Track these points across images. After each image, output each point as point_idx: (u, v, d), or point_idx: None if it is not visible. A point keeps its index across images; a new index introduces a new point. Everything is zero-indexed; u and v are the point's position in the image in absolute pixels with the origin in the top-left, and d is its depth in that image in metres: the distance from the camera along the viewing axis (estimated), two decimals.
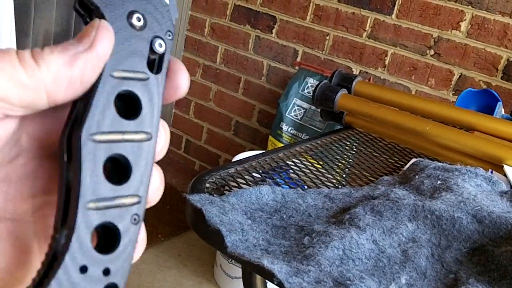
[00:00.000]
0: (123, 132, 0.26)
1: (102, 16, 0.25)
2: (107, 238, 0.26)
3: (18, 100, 0.24)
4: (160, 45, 0.27)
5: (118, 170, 0.26)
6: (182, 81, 0.29)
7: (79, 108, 0.25)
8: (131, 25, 0.26)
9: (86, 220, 0.24)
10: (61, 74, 0.24)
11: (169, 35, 0.28)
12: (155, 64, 0.27)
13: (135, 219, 0.26)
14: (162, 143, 0.29)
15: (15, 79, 0.23)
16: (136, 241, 0.26)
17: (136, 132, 0.26)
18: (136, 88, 0.26)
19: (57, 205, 0.25)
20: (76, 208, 0.24)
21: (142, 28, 0.26)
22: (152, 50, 0.27)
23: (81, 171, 0.24)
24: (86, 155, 0.24)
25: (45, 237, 0.28)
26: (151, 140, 0.27)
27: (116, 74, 0.26)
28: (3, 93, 0.23)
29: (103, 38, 0.25)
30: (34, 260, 0.28)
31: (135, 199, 0.26)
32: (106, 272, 0.25)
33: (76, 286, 0.24)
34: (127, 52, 0.26)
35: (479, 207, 0.65)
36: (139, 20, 0.26)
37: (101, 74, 0.25)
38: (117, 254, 0.25)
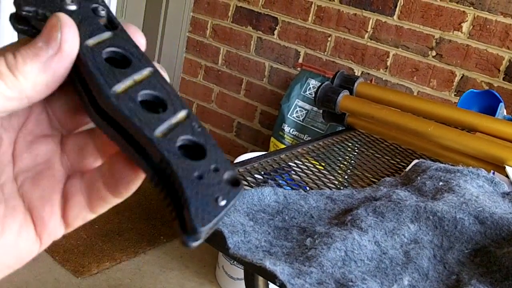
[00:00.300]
0: (134, 80, 0.28)
1: (44, 16, 0.27)
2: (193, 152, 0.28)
3: (2, 108, 0.26)
4: (102, 9, 0.29)
5: (151, 107, 0.28)
6: (139, 39, 0.30)
7: (81, 84, 0.28)
8: (69, 10, 0.28)
9: (170, 148, 0.26)
10: (38, 80, 0.26)
11: (102, 1, 0.30)
12: (109, 25, 0.29)
13: (198, 127, 0.28)
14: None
15: None
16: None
17: (141, 72, 0.28)
18: (115, 45, 0.28)
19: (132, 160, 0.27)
20: (150, 140, 0.26)
21: (79, 7, 0.28)
22: (100, 17, 0.29)
23: (137, 125, 0.26)
24: (127, 110, 0.26)
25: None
26: (156, 68, 0.29)
27: (90, 43, 0.28)
28: None
29: (70, 37, 0.26)
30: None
31: (184, 117, 0.28)
32: (216, 169, 0.27)
33: (209, 190, 0.25)
34: (83, 28, 0.28)
35: (481, 208, 0.65)
36: (72, 2, 0.28)
37: (80, 49, 0.27)
38: (208, 157, 0.27)
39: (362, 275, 0.54)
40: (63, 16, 0.26)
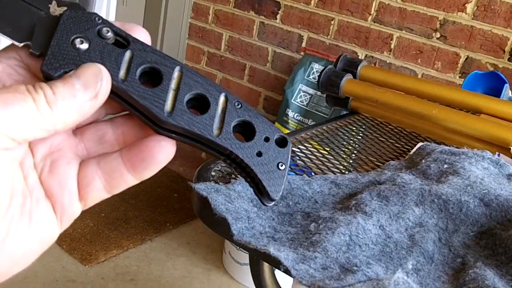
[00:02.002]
0: (173, 89, 0.31)
1: (79, 60, 0.29)
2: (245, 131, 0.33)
3: (32, 137, 0.28)
4: (107, 31, 0.31)
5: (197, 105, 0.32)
6: (145, 38, 0.33)
7: (133, 107, 0.31)
8: (89, 56, 0.30)
9: (230, 141, 0.32)
10: (70, 119, 0.28)
11: (99, 18, 0.31)
12: (120, 39, 0.31)
13: (238, 104, 0.34)
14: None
15: (33, 124, 0.27)
16: None
17: (173, 77, 0.32)
18: (139, 64, 0.31)
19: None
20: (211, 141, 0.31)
21: (89, 43, 0.30)
22: (108, 39, 0.31)
23: (198, 133, 0.31)
24: (185, 123, 0.31)
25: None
26: (181, 63, 0.33)
27: (122, 75, 0.30)
28: (20, 135, 0.27)
29: (106, 87, 0.29)
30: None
31: (224, 101, 0.33)
32: (266, 139, 0.33)
33: (271, 162, 0.32)
34: (108, 64, 0.30)
35: (486, 191, 0.65)
36: (82, 41, 0.30)
37: (117, 84, 0.30)
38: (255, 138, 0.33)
39: (367, 259, 0.54)
40: (104, 69, 0.29)
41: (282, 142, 0.33)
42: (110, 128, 0.34)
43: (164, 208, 2.38)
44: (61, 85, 0.28)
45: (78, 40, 0.30)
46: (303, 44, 2.36)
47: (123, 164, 0.32)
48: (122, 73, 0.30)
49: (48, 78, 0.29)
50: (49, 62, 0.28)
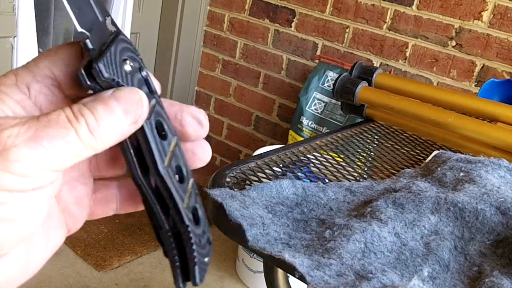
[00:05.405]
0: (170, 151, 0.32)
1: (117, 84, 0.29)
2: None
3: (73, 164, 0.27)
4: (146, 73, 0.32)
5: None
6: (158, 88, 0.33)
7: (134, 150, 0.31)
8: (136, 79, 0.31)
9: (190, 219, 0.33)
10: (110, 143, 0.28)
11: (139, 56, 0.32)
12: (148, 85, 0.32)
13: (196, 191, 0.34)
14: None
15: (76, 154, 0.27)
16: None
17: (171, 142, 0.32)
18: (159, 115, 0.32)
19: (156, 215, 0.33)
20: (180, 211, 0.32)
21: (135, 66, 0.31)
22: (143, 77, 0.32)
23: (175, 198, 0.31)
24: (171, 182, 0.31)
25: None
26: (176, 135, 0.33)
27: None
28: (63, 166, 0.26)
29: (145, 115, 0.29)
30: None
31: (192, 184, 0.34)
32: (203, 232, 0.34)
33: (203, 252, 0.33)
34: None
35: (502, 199, 0.64)
36: (130, 66, 0.31)
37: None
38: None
39: (382, 266, 0.53)
40: (144, 96, 0.29)
41: (210, 241, 0.35)
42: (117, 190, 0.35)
43: None
44: (102, 110, 0.27)
45: (128, 61, 0.30)
46: (318, 52, 2.36)
47: None
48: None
49: (88, 74, 0.29)
50: (104, 62, 0.29)
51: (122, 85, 0.29)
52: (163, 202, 0.32)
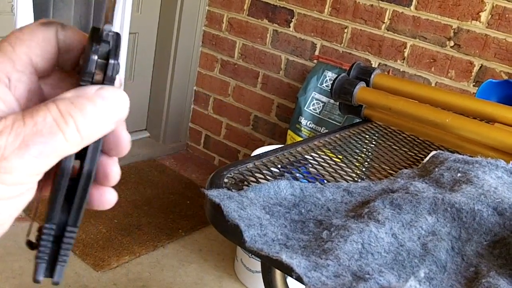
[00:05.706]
0: None
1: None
2: None
3: (55, 163, 0.28)
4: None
5: None
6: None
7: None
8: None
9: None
10: (94, 138, 0.29)
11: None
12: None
13: None
14: None
15: (61, 154, 0.28)
16: None
17: None
18: None
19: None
20: (80, 213, 0.32)
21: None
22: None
23: (85, 198, 0.32)
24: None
25: None
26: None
27: None
28: (47, 166, 0.28)
29: (126, 115, 0.30)
30: None
31: None
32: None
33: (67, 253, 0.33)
34: None
35: (500, 200, 0.64)
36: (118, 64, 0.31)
37: None
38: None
39: (379, 267, 0.54)
40: (127, 97, 0.30)
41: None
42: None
43: (176, 214, 2.38)
44: (91, 110, 0.28)
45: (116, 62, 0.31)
46: (316, 52, 2.36)
47: None
48: None
49: (101, 67, 0.29)
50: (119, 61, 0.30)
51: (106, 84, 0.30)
52: (71, 197, 0.32)
